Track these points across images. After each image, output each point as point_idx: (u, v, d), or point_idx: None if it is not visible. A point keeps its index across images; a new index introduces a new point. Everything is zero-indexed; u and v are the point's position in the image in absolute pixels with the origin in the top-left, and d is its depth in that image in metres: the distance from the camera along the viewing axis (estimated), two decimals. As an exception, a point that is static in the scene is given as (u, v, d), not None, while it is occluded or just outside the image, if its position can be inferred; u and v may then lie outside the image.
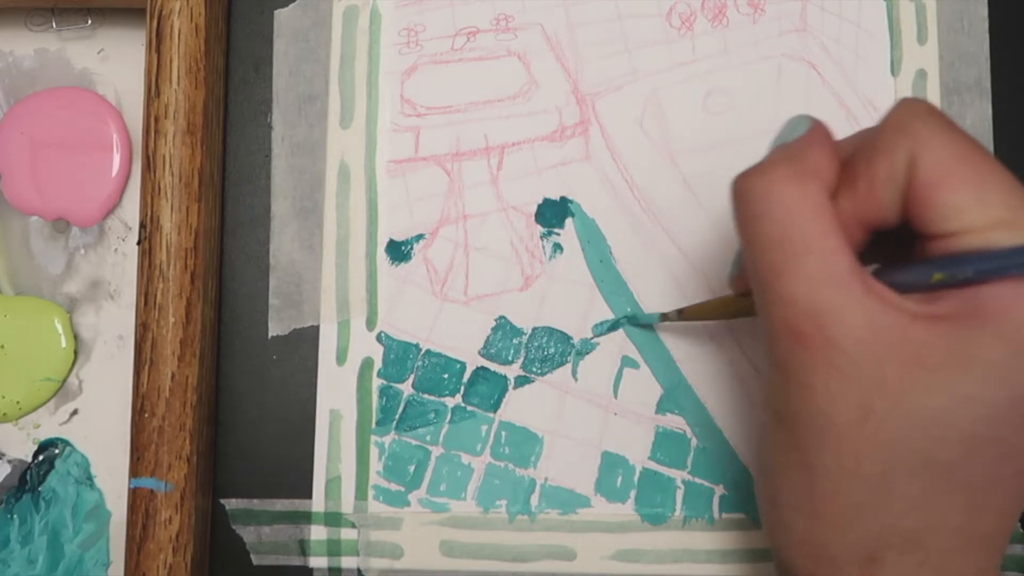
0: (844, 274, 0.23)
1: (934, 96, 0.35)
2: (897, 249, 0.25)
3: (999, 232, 0.22)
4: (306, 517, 0.34)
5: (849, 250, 0.23)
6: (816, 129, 0.25)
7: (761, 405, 0.26)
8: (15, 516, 0.34)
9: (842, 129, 0.34)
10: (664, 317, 0.33)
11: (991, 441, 0.22)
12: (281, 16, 0.35)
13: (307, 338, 0.34)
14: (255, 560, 0.34)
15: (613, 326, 0.34)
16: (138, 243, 0.32)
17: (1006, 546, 0.24)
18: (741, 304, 0.29)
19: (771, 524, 0.26)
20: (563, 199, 0.35)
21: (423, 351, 0.34)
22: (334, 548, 0.33)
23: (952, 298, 0.23)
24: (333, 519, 0.34)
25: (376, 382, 0.34)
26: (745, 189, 0.24)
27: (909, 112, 0.24)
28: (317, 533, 0.34)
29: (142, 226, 0.32)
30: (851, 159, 0.25)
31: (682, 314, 0.32)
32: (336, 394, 0.34)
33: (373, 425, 0.34)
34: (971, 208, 0.22)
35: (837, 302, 0.23)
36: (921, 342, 0.22)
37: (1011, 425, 0.22)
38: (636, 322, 0.34)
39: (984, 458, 0.23)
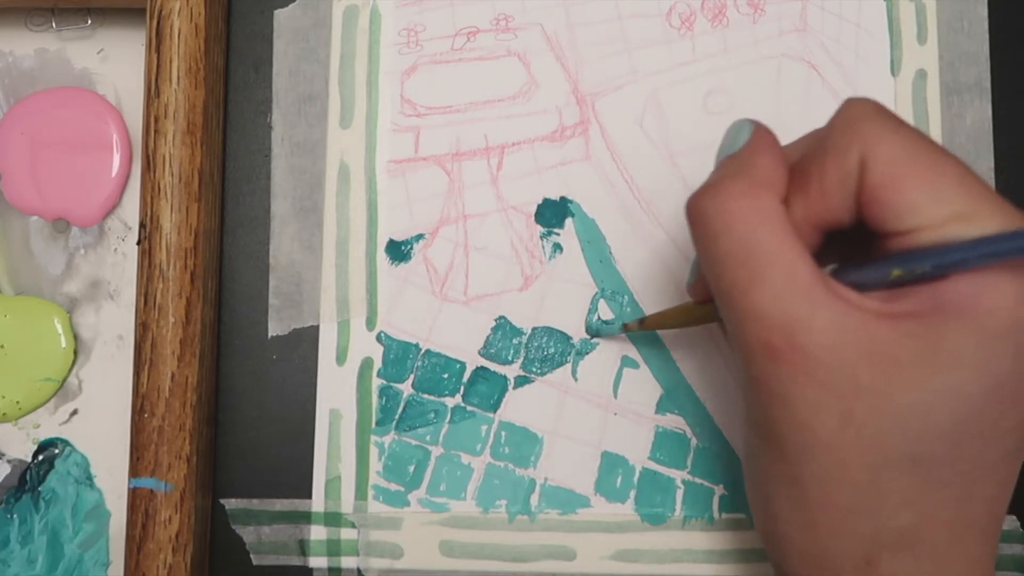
0: (808, 283, 0.23)
1: (934, 96, 0.35)
2: (852, 246, 0.25)
3: (955, 226, 0.22)
4: (306, 517, 0.34)
5: (809, 257, 0.23)
6: (759, 135, 0.25)
7: (744, 423, 0.26)
8: (15, 516, 0.34)
9: (842, 129, 0.34)
10: (625, 327, 0.33)
11: (973, 431, 0.22)
12: (281, 16, 0.35)
13: (307, 338, 0.34)
14: (255, 560, 0.34)
15: (594, 331, 0.34)
16: (138, 243, 0.32)
17: (999, 532, 0.24)
18: (701, 312, 0.29)
19: (768, 538, 0.26)
20: (563, 199, 0.35)
21: (423, 351, 0.34)
22: (334, 548, 0.33)
23: (914, 295, 0.23)
24: (333, 519, 0.34)
25: (376, 382, 0.34)
26: (700, 210, 0.24)
27: (857, 113, 0.24)
28: (317, 533, 0.34)
29: (142, 226, 0.32)
30: (801, 163, 0.25)
31: (643, 324, 0.32)
32: (336, 394, 0.34)
33: (373, 425, 0.34)
34: (925, 205, 0.22)
35: (805, 312, 0.23)
36: (889, 341, 0.22)
37: (991, 413, 0.22)
38: (598, 333, 0.34)
39: (969, 449, 0.23)
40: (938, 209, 0.22)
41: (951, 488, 0.23)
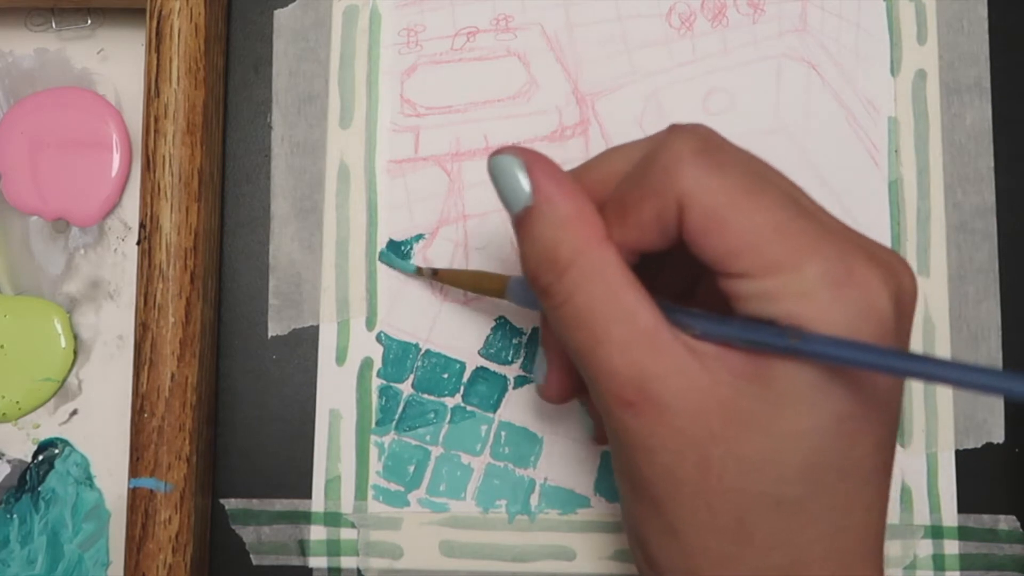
0: (650, 330, 0.23)
1: (934, 96, 0.35)
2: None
3: (774, 278, 0.22)
4: (306, 517, 0.34)
5: (649, 301, 0.23)
6: (544, 184, 0.24)
7: (616, 475, 0.26)
8: (15, 516, 0.34)
9: (841, 129, 0.35)
10: (419, 270, 0.33)
11: (828, 467, 0.22)
12: (281, 16, 0.35)
13: (307, 338, 0.34)
14: (255, 560, 0.34)
15: (386, 260, 0.34)
16: (138, 243, 0.32)
17: (881, 554, 0.24)
18: (493, 283, 0.31)
19: None
20: (563, 199, 0.35)
21: (423, 351, 0.34)
22: (334, 548, 0.33)
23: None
24: (333, 519, 0.34)
25: (376, 382, 0.34)
26: (541, 285, 0.24)
27: (675, 155, 0.23)
28: (317, 533, 0.34)
29: (142, 226, 0.32)
30: (621, 189, 0.24)
31: (436, 275, 0.33)
32: (336, 394, 0.34)
33: (373, 425, 0.34)
34: (744, 254, 0.22)
35: (651, 361, 0.22)
36: (729, 386, 0.22)
37: (840, 446, 0.22)
38: (391, 262, 0.34)
39: (828, 484, 0.22)
40: (756, 258, 0.22)
41: (819, 524, 0.23)
